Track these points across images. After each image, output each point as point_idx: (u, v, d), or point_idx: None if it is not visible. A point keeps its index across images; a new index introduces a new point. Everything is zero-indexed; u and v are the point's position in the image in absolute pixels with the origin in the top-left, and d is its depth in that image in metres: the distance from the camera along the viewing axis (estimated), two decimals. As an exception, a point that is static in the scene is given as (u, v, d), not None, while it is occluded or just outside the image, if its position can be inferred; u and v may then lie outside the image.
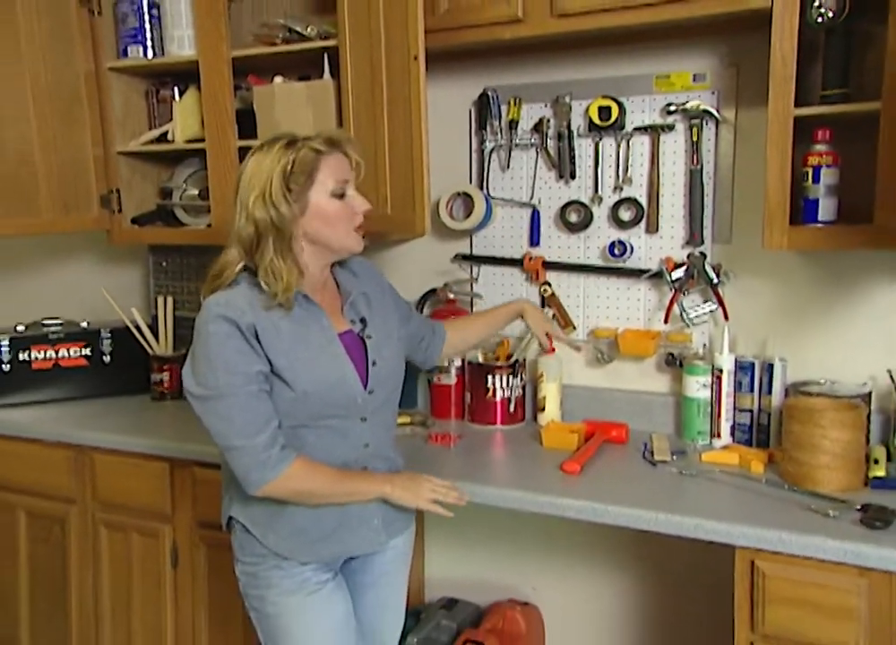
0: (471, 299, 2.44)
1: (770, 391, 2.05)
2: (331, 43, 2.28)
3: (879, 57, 1.69)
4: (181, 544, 2.30)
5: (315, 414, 1.63)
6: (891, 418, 1.94)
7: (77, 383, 2.75)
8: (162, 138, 2.68)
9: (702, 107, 2.11)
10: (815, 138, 1.85)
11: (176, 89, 2.63)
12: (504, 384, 2.32)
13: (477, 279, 2.47)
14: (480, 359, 2.34)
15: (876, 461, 1.84)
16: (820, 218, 1.86)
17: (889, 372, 1.94)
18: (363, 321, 1.71)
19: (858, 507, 1.64)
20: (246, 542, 1.66)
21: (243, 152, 2.36)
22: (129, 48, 2.59)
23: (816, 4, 1.72)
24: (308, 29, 2.35)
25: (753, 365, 2.08)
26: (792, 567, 1.59)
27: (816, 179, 1.85)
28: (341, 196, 1.59)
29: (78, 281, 3.23)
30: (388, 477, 1.68)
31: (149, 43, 2.59)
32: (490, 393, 2.31)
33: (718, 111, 2.11)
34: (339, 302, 1.71)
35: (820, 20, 1.73)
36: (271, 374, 1.58)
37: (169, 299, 2.84)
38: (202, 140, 2.52)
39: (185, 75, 2.56)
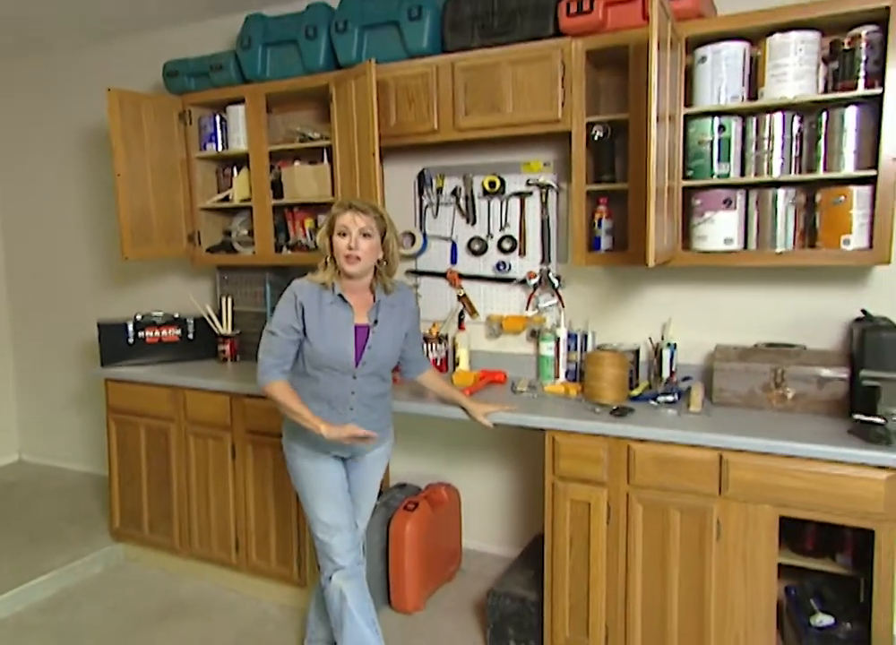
0: (416, 298, 2.95)
1: (585, 350, 2.74)
2: (327, 142, 2.88)
3: (626, 159, 2.44)
4: (237, 444, 2.83)
5: (323, 364, 2.09)
6: (652, 366, 2.64)
7: (172, 351, 3.24)
8: (225, 199, 3.23)
9: (547, 181, 2.79)
10: (599, 202, 2.59)
11: (234, 168, 3.21)
12: (435, 349, 2.96)
13: (419, 285, 3.11)
14: (420, 334, 3.02)
15: (637, 386, 2.57)
16: (602, 247, 2.59)
17: (650, 338, 2.68)
18: (376, 322, 2.14)
19: (614, 408, 2.34)
20: (285, 425, 2.19)
21: (275, 209, 3.05)
22: (207, 145, 3.19)
23: (594, 129, 2.47)
24: (315, 133, 2.99)
25: (576, 335, 2.76)
26: (572, 438, 2.25)
27: (600, 225, 2.59)
28: (344, 235, 2.06)
29: (173, 288, 3.78)
30: (318, 421, 2.01)
31: (219, 141, 3.17)
32: (425, 355, 2.80)
33: (557, 184, 2.79)
34: (369, 306, 2.14)
35: (596, 138, 2.48)
36: (303, 333, 2.07)
37: (229, 299, 3.30)
38: (250, 200, 3.10)
39: (241, 160, 3.17)
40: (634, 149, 2.39)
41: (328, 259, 2.13)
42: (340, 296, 2.11)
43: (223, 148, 3.20)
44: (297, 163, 3.08)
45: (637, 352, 2.69)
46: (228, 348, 3.28)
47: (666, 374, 2.62)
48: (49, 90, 4.15)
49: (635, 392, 2.54)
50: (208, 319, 3.32)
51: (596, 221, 2.61)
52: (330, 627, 2.30)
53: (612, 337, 2.81)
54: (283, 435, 2.25)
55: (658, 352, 2.64)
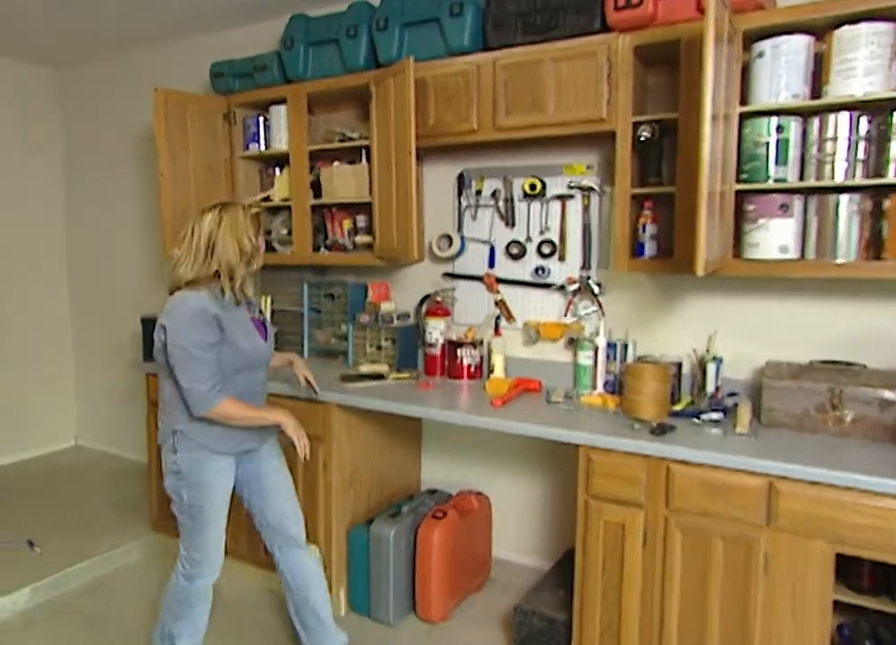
0: (452, 302, 2.89)
1: (625, 360, 2.50)
2: (366, 142, 2.74)
3: (675, 161, 2.18)
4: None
5: (244, 364, 1.98)
6: (695, 380, 2.38)
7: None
8: (266, 199, 3.10)
9: (590, 184, 2.56)
10: (644, 206, 2.35)
11: (276, 168, 3.09)
12: (469, 355, 2.74)
13: (455, 289, 2.91)
14: (454, 338, 2.76)
15: (679, 401, 2.33)
16: (647, 254, 2.36)
17: (694, 350, 2.42)
18: (261, 312, 2.14)
19: (654, 425, 2.10)
20: (185, 441, 1.97)
21: (314, 208, 2.91)
22: (250, 145, 3.08)
23: (641, 130, 2.23)
24: (354, 133, 2.84)
25: (616, 344, 2.52)
26: (608, 456, 2.03)
27: (644, 231, 2.35)
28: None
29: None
30: (283, 413, 2.01)
31: (262, 141, 3.05)
32: (459, 360, 2.74)
33: (600, 187, 2.56)
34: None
35: (643, 139, 2.23)
36: (224, 340, 1.90)
37: (269, 297, 3.18)
38: (290, 199, 2.98)
39: (282, 160, 3.04)
40: (684, 150, 2.13)
41: (237, 265, 1.94)
42: (233, 295, 1.97)
43: (265, 148, 3.08)
44: (336, 163, 2.93)
45: (680, 365, 2.44)
46: (267, 345, 3.13)
47: (710, 389, 2.36)
48: (105, 93, 4.12)
49: (677, 408, 2.29)
50: (249, 316, 3.18)
51: (640, 226, 2.37)
52: (293, 602, 2.29)
53: (654, 348, 2.56)
54: (177, 452, 1.99)
55: (702, 365, 2.38)
